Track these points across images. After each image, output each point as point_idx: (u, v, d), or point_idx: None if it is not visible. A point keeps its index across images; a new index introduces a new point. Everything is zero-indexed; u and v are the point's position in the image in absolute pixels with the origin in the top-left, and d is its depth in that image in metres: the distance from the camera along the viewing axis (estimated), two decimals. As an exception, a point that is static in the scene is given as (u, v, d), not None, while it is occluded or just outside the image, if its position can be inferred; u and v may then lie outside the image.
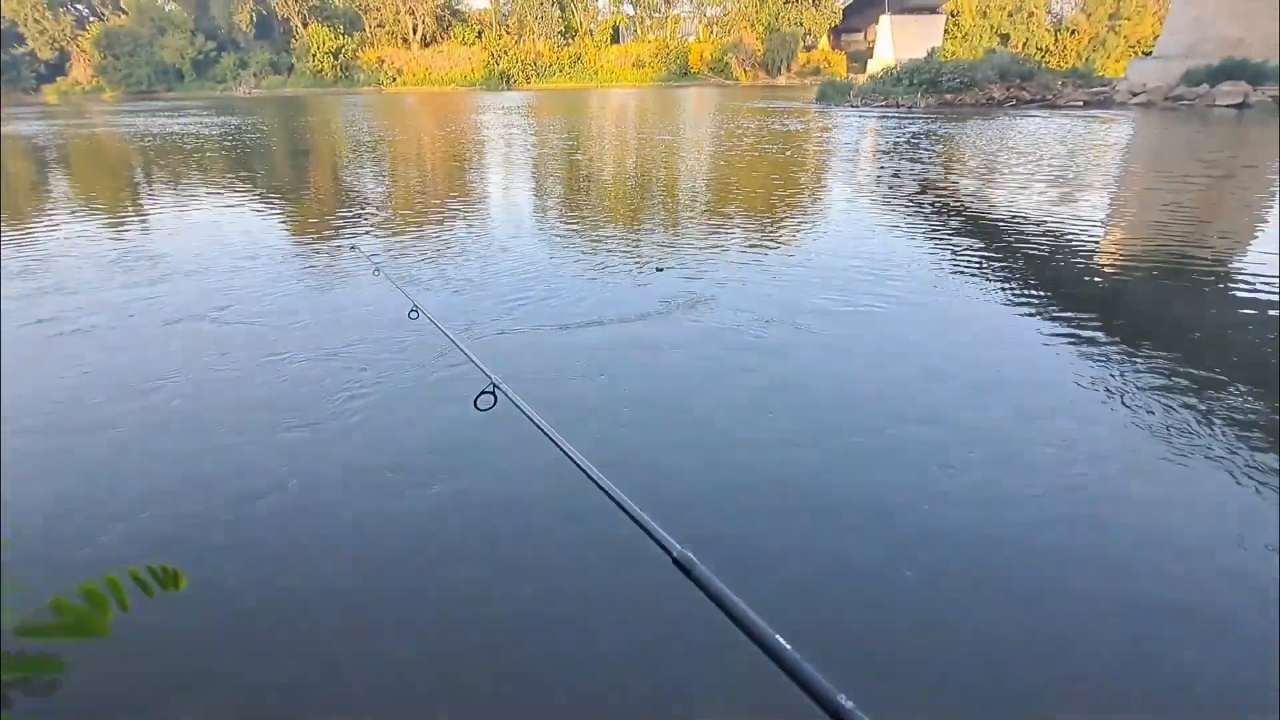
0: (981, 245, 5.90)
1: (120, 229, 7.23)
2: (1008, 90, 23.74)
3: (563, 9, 66.69)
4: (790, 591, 2.03)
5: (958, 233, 6.36)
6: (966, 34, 58.71)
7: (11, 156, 14.76)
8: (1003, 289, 4.76)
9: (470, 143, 16.18)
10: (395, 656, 1.81)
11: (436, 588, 2.07)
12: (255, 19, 66.11)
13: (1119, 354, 3.63)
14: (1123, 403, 3.09)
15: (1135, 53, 50.01)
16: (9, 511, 2.40)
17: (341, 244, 6.37)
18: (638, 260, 5.58)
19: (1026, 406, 3.09)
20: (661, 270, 5.24)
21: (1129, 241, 6.30)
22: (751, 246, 5.99)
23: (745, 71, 61.21)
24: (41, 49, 65.52)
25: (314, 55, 65.47)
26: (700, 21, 66.78)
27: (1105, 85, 25.11)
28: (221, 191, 9.61)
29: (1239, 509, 2.36)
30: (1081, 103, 23.24)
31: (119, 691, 1.75)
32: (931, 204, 7.68)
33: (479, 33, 68.32)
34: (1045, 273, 5.19)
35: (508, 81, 64.26)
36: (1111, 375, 3.36)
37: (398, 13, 67.41)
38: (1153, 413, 2.99)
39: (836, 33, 65.12)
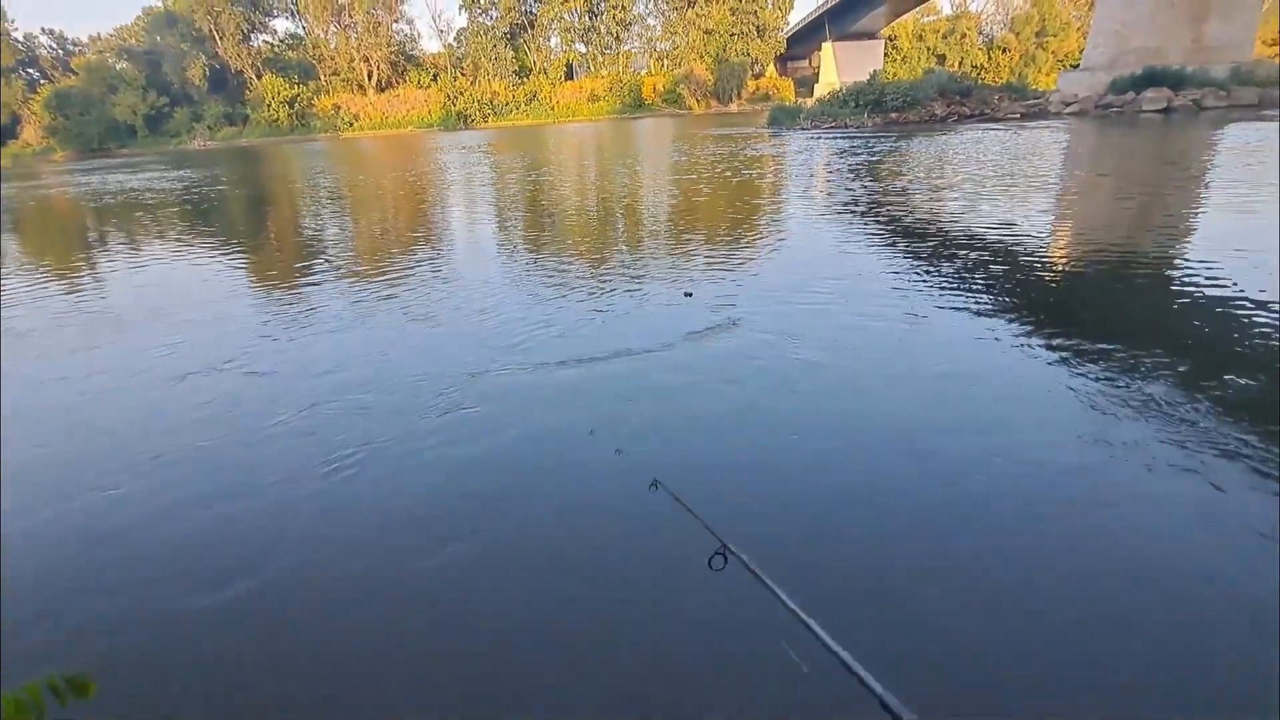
0: (926, 252, 6.15)
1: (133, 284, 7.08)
2: (949, 106, 24.83)
3: (516, 50, 67.88)
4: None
5: (913, 244, 6.63)
6: (905, 56, 61.59)
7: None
8: (964, 296, 4.97)
9: (438, 184, 16.25)
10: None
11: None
12: (208, 73, 65.87)
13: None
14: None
15: (1063, 66, 52.78)
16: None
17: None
18: (671, 284, 5.58)
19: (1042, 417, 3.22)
20: (690, 295, 5.17)
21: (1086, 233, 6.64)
22: (740, 261, 6.14)
23: (698, 101, 62.87)
24: (-6, 117, 64.37)
25: (269, 105, 65.32)
26: (651, 56, 68.58)
27: (1040, 97, 26.46)
28: (195, 244, 9.46)
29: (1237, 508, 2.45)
30: (1019, 114, 24.41)
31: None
32: (887, 218, 8.00)
33: (434, 75, 69.07)
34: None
35: (465, 121, 64.85)
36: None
37: (352, 60, 67.90)
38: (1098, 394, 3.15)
39: (783, 60, 67.56)
